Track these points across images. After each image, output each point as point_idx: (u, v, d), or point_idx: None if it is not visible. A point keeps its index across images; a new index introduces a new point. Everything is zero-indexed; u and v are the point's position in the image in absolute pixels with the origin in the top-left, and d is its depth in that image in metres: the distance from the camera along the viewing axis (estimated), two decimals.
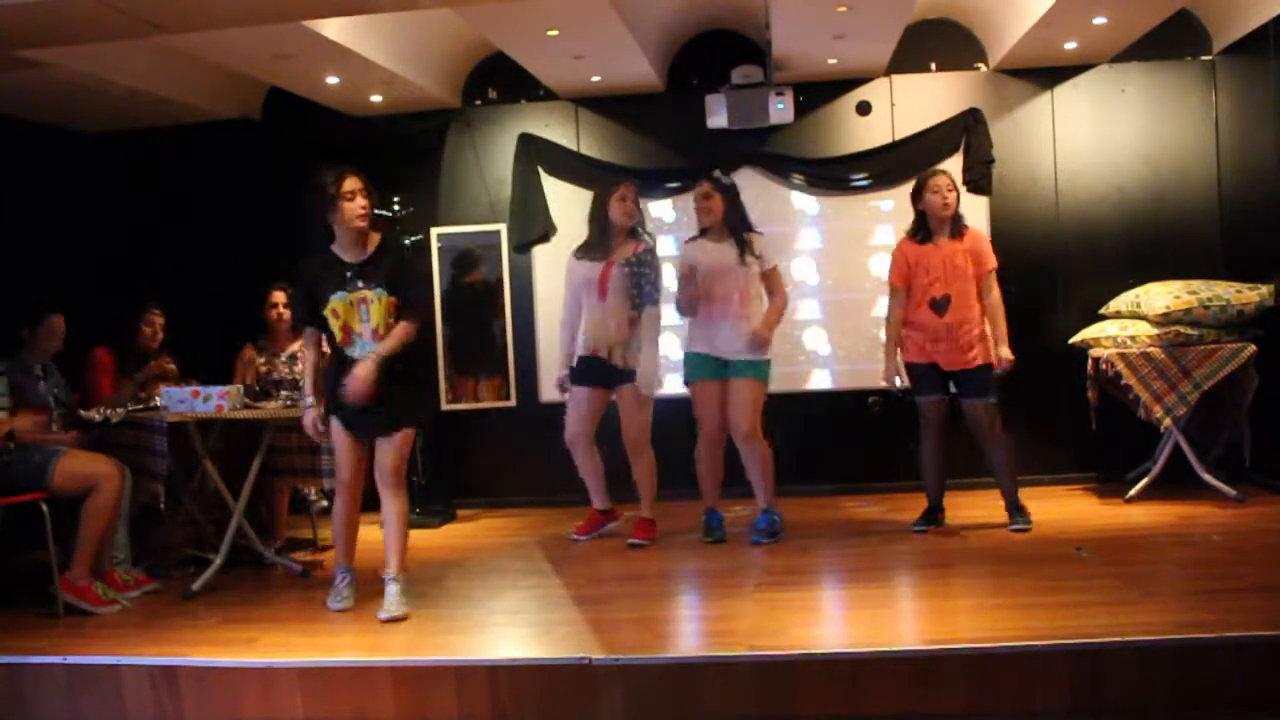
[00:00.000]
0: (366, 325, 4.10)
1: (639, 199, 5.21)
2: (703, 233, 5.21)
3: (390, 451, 4.16)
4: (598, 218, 5.17)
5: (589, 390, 5.20)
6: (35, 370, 4.72)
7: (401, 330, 4.12)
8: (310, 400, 4.25)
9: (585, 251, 5.21)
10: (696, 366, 5.18)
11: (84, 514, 4.40)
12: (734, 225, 5.14)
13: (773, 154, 6.33)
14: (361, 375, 4.01)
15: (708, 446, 5.19)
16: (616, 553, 5.10)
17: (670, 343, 6.38)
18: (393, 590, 4.14)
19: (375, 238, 4.19)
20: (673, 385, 6.35)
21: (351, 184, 4.06)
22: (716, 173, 5.25)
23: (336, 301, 4.09)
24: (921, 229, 5.15)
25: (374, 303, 4.08)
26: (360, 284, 4.09)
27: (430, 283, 6.38)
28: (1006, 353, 5.07)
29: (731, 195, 5.16)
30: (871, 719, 3.38)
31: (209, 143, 6.51)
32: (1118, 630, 3.44)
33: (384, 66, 5.46)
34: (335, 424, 4.20)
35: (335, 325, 4.12)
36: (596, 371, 5.16)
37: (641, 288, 5.10)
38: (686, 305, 5.15)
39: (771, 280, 5.16)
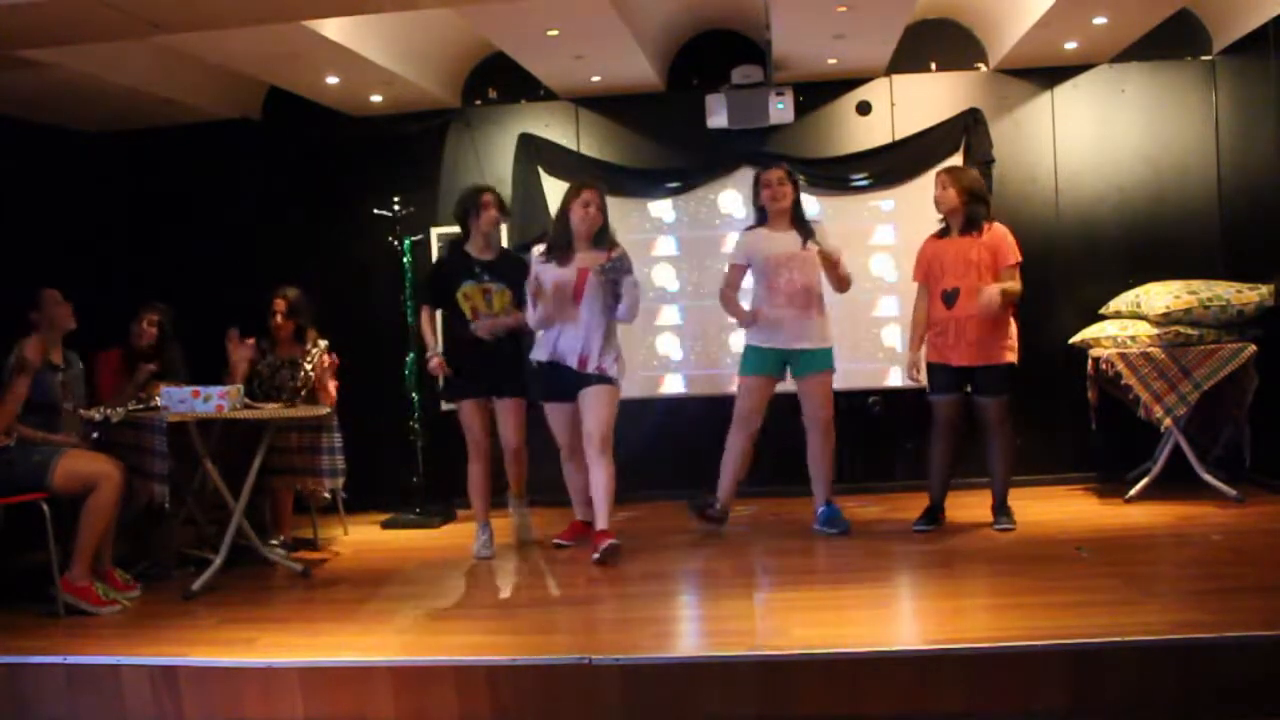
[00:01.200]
0: (490, 310, 5.06)
1: (604, 205, 4.93)
2: (760, 221, 5.18)
3: (509, 425, 5.09)
4: (561, 220, 4.96)
5: (561, 404, 5.00)
6: (54, 360, 4.71)
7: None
8: (433, 346, 5.16)
9: (549, 254, 4.94)
10: (754, 361, 5.13)
11: (84, 514, 4.40)
12: (798, 214, 5.15)
13: (773, 154, 6.30)
14: (489, 323, 5.04)
15: (747, 442, 5.16)
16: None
17: (670, 343, 6.40)
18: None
19: (496, 245, 5.23)
20: (672, 385, 6.37)
21: (490, 197, 5.13)
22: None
23: (467, 286, 5.06)
24: (944, 225, 5.20)
25: (495, 294, 5.08)
26: (486, 277, 5.07)
27: None
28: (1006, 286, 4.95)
29: (796, 183, 5.19)
30: (871, 719, 3.38)
31: (209, 143, 6.51)
32: (1118, 630, 3.43)
33: (384, 66, 5.46)
34: (465, 405, 5.09)
35: (467, 306, 5.08)
36: (562, 382, 4.93)
37: (618, 294, 4.89)
38: (739, 306, 5.14)
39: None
